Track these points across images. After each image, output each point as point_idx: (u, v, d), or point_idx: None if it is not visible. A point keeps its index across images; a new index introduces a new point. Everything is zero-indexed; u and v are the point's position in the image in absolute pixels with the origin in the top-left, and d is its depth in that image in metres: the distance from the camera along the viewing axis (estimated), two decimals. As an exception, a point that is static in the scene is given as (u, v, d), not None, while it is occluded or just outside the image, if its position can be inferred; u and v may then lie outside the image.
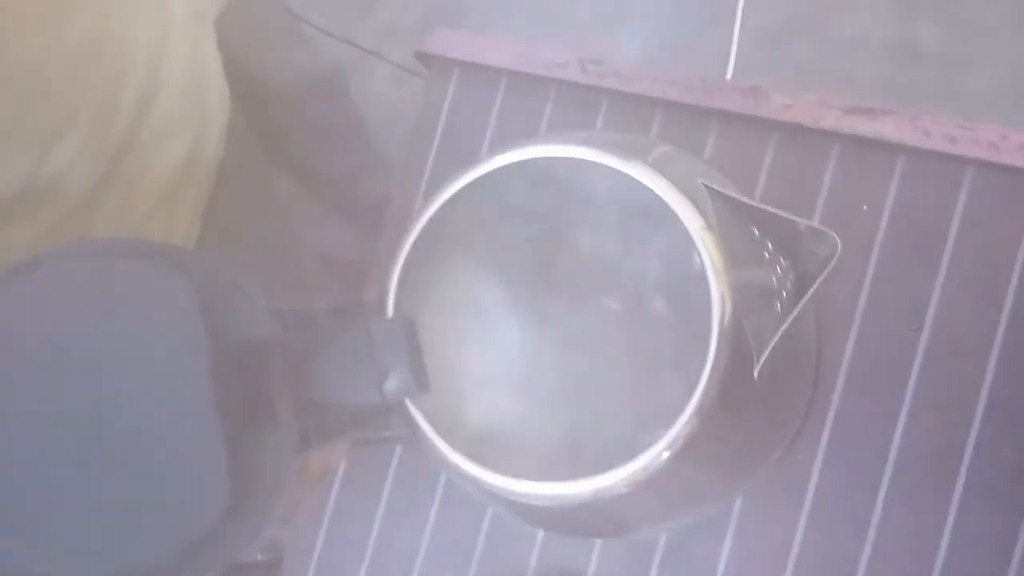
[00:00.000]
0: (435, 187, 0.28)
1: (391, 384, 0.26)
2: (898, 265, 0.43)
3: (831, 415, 0.41)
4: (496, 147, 0.48)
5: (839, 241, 0.25)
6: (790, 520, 0.40)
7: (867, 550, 0.40)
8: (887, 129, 0.44)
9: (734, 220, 0.26)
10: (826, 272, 0.25)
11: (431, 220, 0.28)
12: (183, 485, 0.22)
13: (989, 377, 0.40)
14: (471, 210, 0.28)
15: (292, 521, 0.43)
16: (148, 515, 0.22)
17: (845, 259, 0.40)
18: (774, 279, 0.26)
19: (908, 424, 0.40)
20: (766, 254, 0.27)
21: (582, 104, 0.48)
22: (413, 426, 0.27)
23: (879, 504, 0.40)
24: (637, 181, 0.25)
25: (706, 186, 0.25)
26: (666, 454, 0.24)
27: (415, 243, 0.28)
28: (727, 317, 0.24)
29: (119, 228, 0.54)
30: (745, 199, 0.26)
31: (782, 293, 0.26)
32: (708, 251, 0.24)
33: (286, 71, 0.77)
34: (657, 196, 0.24)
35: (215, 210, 0.59)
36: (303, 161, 0.85)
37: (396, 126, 0.99)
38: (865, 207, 0.44)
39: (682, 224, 0.24)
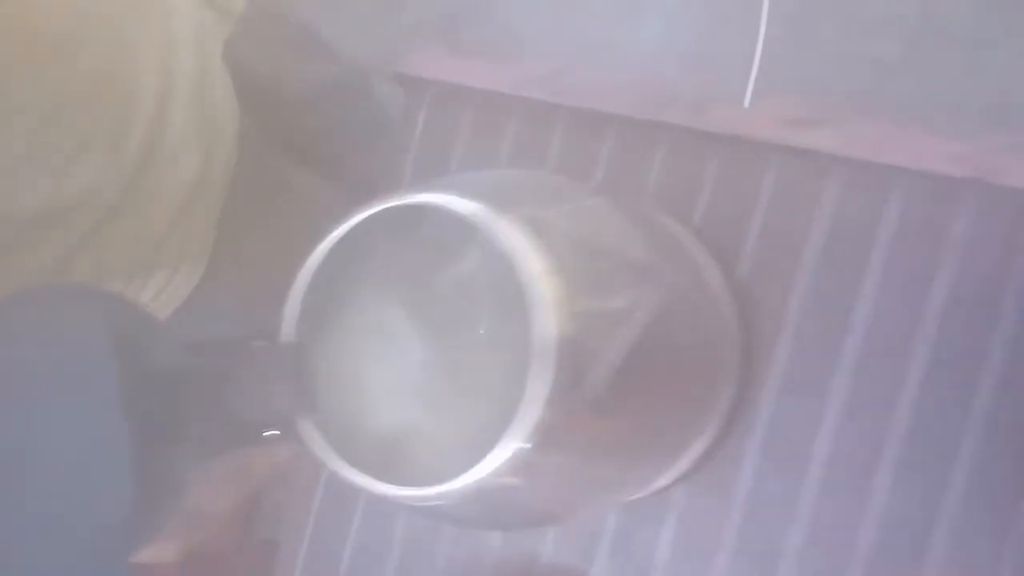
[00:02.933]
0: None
1: (280, 404, 0.30)
2: (829, 270, 0.45)
3: (761, 412, 0.44)
4: (453, 171, 0.52)
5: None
6: (723, 509, 0.43)
7: (797, 540, 0.43)
8: (823, 140, 0.46)
9: (584, 259, 0.29)
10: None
11: (328, 254, 0.32)
12: (88, 497, 0.27)
13: (917, 379, 0.42)
14: (360, 247, 0.32)
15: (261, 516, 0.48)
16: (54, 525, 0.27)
17: (778, 263, 0.43)
18: (626, 306, 0.30)
19: (837, 425, 0.43)
20: (619, 284, 0.30)
21: (543, 123, 0.51)
22: (301, 442, 0.31)
23: (810, 497, 0.43)
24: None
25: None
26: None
27: (315, 273, 0.32)
28: (553, 340, 0.28)
29: (138, 243, 0.59)
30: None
31: (635, 315, 0.30)
32: (537, 285, 0.28)
33: (303, 83, 0.81)
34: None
35: (231, 215, 0.64)
36: (326, 166, 0.89)
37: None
38: (802, 214, 0.47)
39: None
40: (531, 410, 0.28)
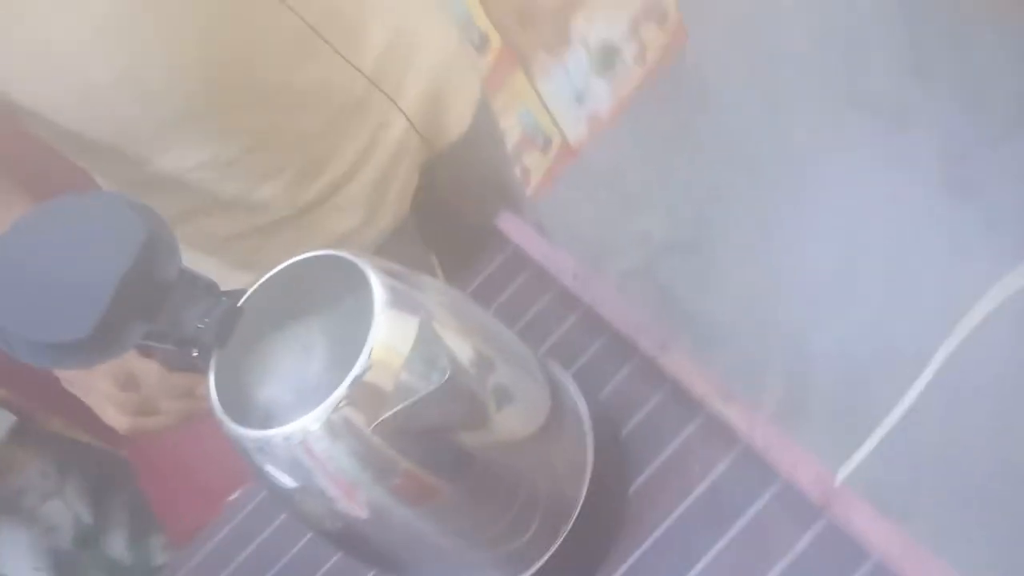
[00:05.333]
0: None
1: (207, 330, 0.46)
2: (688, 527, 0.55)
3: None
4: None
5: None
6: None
7: None
8: (733, 417, 0.56)
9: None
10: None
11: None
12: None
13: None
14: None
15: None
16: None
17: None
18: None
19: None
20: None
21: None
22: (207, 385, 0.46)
23: None
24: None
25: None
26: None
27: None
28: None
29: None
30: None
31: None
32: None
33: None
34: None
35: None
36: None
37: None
38: (697, 468, 0.57)
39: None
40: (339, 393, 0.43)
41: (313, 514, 0.49)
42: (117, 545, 1.41)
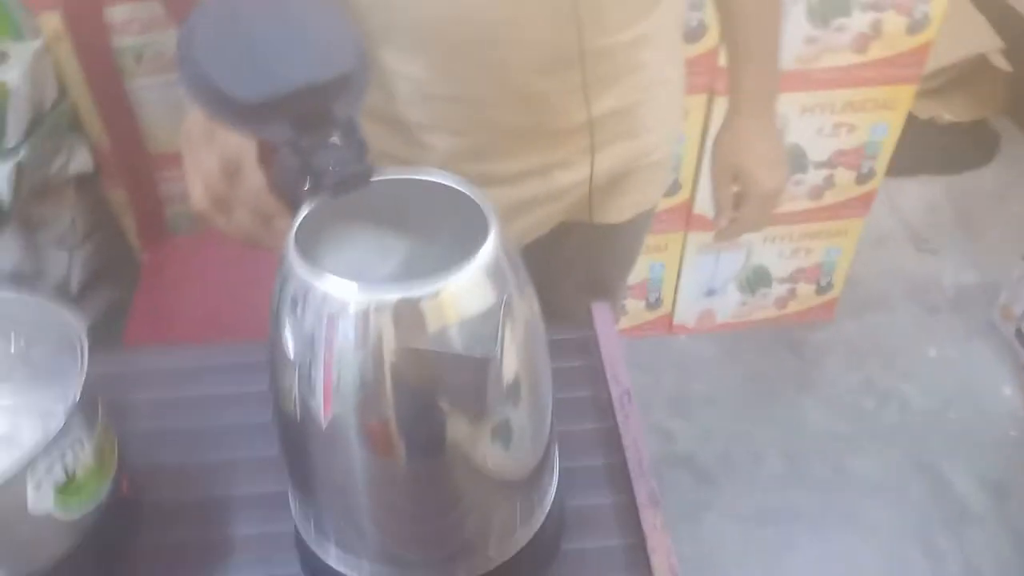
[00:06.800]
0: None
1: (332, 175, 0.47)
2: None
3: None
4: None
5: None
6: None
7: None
8: None
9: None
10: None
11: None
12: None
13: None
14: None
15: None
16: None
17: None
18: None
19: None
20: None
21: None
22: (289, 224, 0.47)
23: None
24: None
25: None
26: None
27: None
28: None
29: None
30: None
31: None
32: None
33: None
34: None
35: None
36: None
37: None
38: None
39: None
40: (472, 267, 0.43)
41: (288, 391, 0.47)
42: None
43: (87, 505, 0.53)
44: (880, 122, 1.59)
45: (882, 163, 1.66)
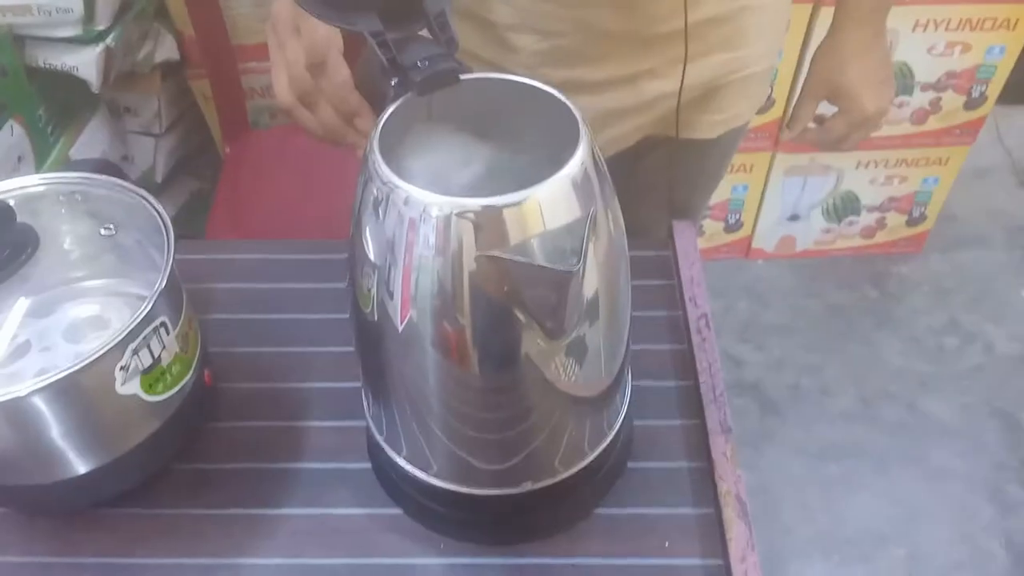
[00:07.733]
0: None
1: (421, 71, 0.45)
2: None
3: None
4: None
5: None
6: None
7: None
8: None
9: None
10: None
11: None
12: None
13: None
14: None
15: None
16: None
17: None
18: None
19: None
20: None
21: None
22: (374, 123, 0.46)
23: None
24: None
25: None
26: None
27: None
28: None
29: None
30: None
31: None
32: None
33: None
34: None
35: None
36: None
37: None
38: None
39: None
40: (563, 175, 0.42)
41: (366, 291, 0.47)
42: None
43: (171, 389, 0.54)
44: (998, 42, 1.47)
45: (995, 88, 1.54)
